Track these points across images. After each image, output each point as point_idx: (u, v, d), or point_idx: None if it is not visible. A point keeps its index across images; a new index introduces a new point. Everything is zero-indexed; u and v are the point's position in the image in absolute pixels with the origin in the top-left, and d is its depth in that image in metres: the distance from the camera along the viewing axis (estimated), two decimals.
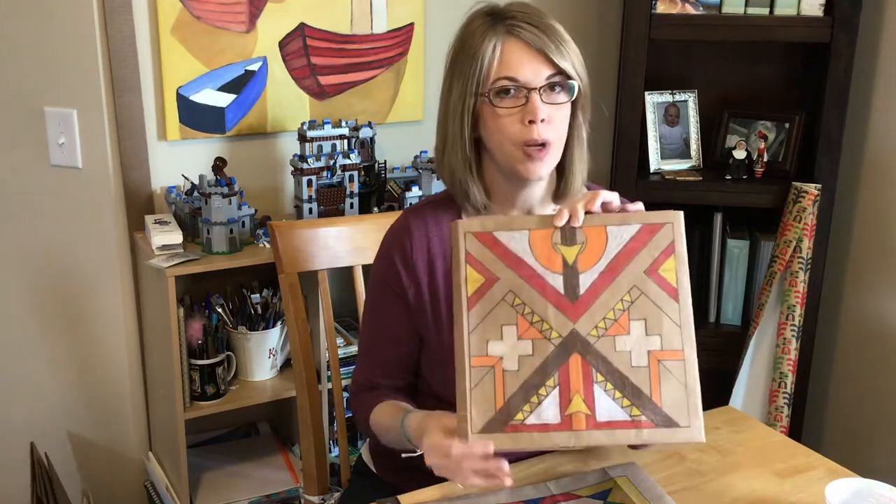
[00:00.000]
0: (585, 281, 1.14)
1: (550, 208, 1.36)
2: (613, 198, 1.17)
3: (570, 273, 1.14)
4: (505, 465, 1.10)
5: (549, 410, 1.10)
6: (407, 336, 1.39)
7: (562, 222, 1.14)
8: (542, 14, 1.27)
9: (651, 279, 1.14)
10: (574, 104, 1.28)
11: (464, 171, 1.30)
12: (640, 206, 1.19)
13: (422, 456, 1.22)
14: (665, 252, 1.14)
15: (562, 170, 1.33)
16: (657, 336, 1.12)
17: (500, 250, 1.15)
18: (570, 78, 1.25)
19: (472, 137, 1.29)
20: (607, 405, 1.10)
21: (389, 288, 1.37)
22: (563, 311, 1.13)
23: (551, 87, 1.24)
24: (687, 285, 1.14)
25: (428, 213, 1.37)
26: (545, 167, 1.26)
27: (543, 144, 1.24)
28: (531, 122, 1.22)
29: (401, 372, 1.41)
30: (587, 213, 1.15)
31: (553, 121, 1.24)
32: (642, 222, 1.15)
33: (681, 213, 1.16)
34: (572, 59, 1.25)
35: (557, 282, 1.14)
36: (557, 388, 1.11)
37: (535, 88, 1.22)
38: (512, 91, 1.23)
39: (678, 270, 1.14)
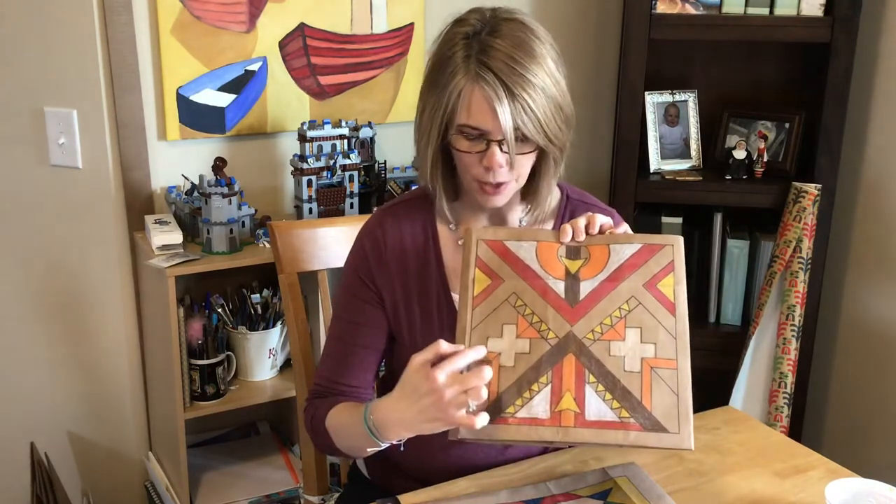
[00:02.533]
0: (586, 288, 1.19)
1: (518, 208, 1.37)
2: (608, 220, 1.23)
3: (572, 280, 1.20)
4: (485, 371, 1.08)
5: (539, 406, 1.13)
6: (375, 337, 1.36)
7: (567, 238, 1.21)
8: (522, 51, 1.19)
9: (649, 292, 1.18)
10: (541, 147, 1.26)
11: (434, 186, 1.31)
12: (626, 228, 1.26)
13: (407, 454, 1.24)
14: (665, 269, 1.19)
15: (530, 176, 1.32)
16: (652, 345, 1.15)
17: (508, 257, 1.22)
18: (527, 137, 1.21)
19: (440, 154, 1.28)
20: (597, 405, 1.12)
21: (362, 283, 1.35)
22: (562, 314, 1.17)
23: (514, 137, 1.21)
24: (684, 302, 1.18)
25: (401, 212, 1.37)
26: (501, 200, 1.28)
27: (500, 184, 1.25)
28: (487, 167, 1.22)
29: (366, 376, 1.38)
30: (588, 234, 1.21)
31: (507, 165, 1.23)
32: (644, 242, 1.21)
33: (680, 238, 1.22)
34: (538, 118, 1.19)
35: (559, 287, 1.19)
36: (550, 385, 1.14)
37: (494, 140, 1.20)
38: (473, 137, 1.22)
39: (676, 287, 1.18)
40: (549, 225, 1.39)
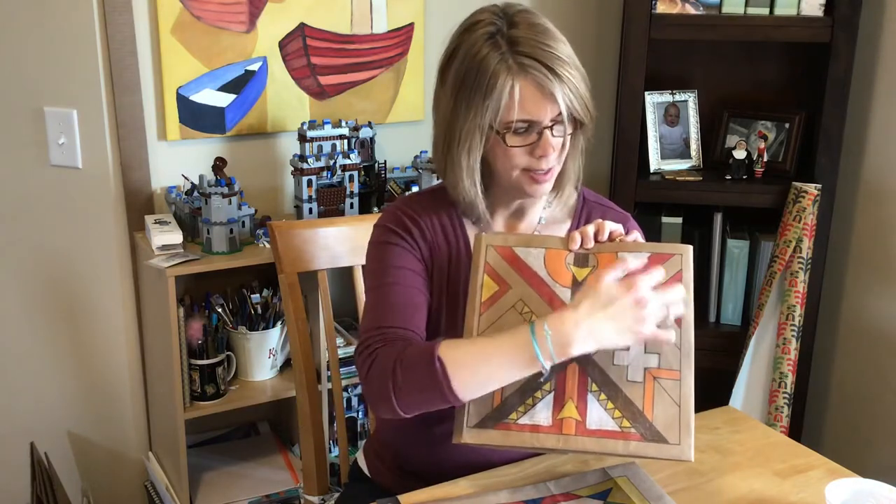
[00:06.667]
0: None
1: (540, 203, 1.38)
2: (618, 227, 1.24)
3: (579, 288, 1.19)
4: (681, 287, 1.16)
5: (541, 413, 1.14)
6: (427, 290, 1.31)
7: (576, 246, 1.22)
8: (545, 34, 1.23)
9: None
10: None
11: (472, 193, 1.30)
12: (637, 235, 1.26)
13: (409, 452, 1.25)
14: (672, 279, 1.19)
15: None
16: (656, 355, 1.16)
17: (516, 263, 1.22)
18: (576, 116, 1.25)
19: (480, 161, 1.29)
20: (598, 414, 1.13)
21: (404, 240, 1.31)
22: None
23: (560, 121, 1.24)
24: (691, 313, 1.18)
25: (426, 202, 1.37)
26: (549, 186, 1.30)
27: (549, 170, 1.27)
28: (541, 155, 1.24)
29: (422, 324, 1.29)
30: (597, 241, 1.22)
31: (558, 148, 1.26)
32: (653, 251, 1.21)
33: (690, 247, 1.23)
34: (580, 93, 1.23)
35: (565, 294, 1.19)
36: (553, 392, 1.15)
37: (547, 127, 1.23)
38: (523, 130, 1.24)
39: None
40: (566, 226, 1.40)
